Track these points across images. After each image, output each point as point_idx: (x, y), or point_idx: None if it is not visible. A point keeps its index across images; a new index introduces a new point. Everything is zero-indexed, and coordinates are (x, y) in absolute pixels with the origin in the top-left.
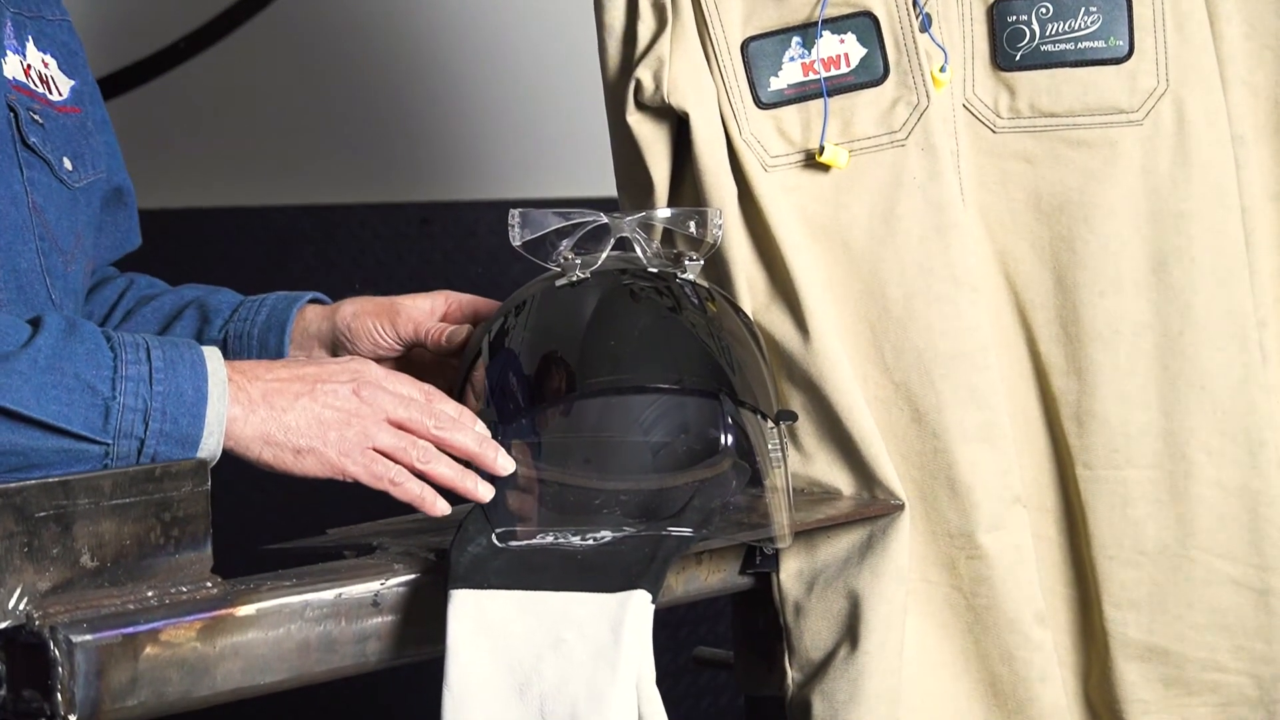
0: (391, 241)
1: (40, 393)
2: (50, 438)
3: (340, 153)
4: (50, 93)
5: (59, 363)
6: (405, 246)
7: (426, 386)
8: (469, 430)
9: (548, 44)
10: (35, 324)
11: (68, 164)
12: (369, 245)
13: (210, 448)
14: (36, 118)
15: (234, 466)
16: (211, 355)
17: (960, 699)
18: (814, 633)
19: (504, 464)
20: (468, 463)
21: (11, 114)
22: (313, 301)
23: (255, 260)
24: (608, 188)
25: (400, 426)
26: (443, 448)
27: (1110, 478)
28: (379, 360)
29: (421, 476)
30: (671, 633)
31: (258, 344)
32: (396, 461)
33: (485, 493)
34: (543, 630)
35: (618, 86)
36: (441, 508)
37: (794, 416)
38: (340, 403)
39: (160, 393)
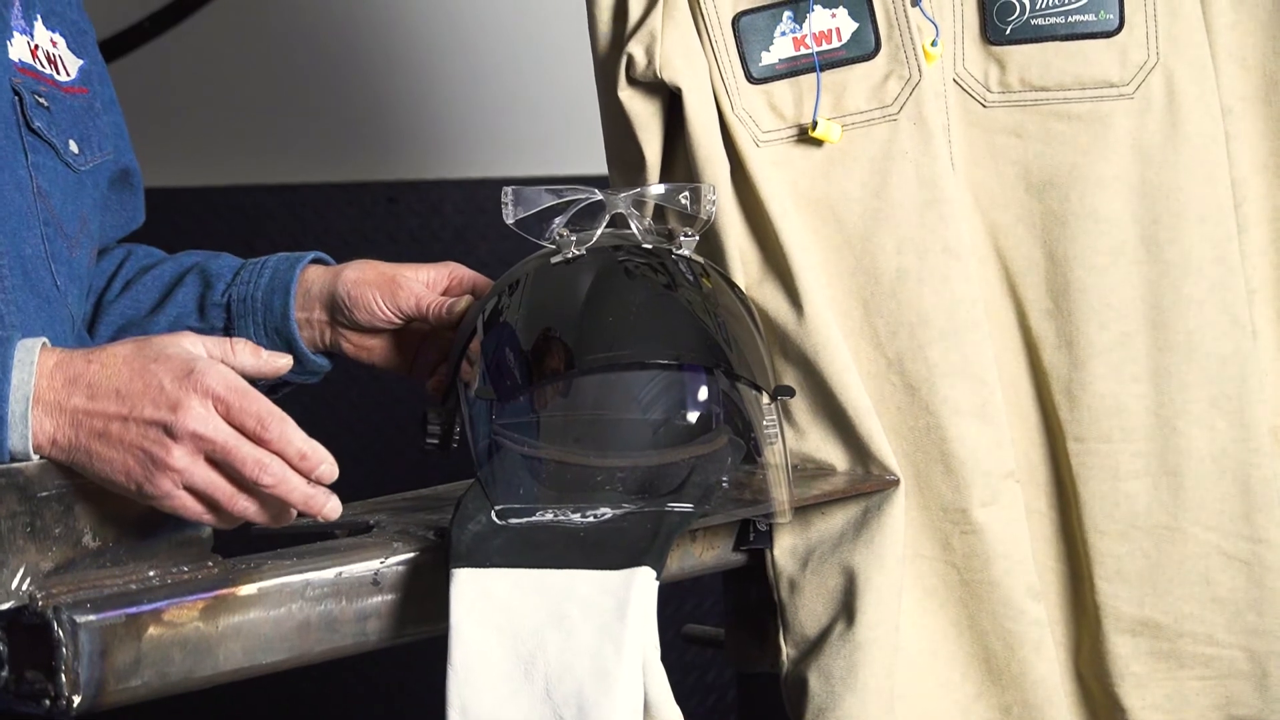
0: (358, 221)
1: None
2: None
3: (306, 132)
4: (58, 73)
5: None
6: (371, 225)
7: (274, 414)
8: (294, 482)
9: (517, 22)
10: None
11: (74, 146)
12: (335, 224)
13: (21, 454)
14: (42, 100)
15: None
16: (21, 363)
17: (954, 673)
18: (809, 609)
19: (332, 510)
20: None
21: (16, 98)
22: (315, 261)
23: (221, 240)
24: (580, 165)
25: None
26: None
27: (1101, 451)
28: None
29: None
30: (659, 609)
31: (262, 307)
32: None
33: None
34: (546, 608)
35: (609, 62)
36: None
37: (791, 392)
38: (145, 443)
39: None
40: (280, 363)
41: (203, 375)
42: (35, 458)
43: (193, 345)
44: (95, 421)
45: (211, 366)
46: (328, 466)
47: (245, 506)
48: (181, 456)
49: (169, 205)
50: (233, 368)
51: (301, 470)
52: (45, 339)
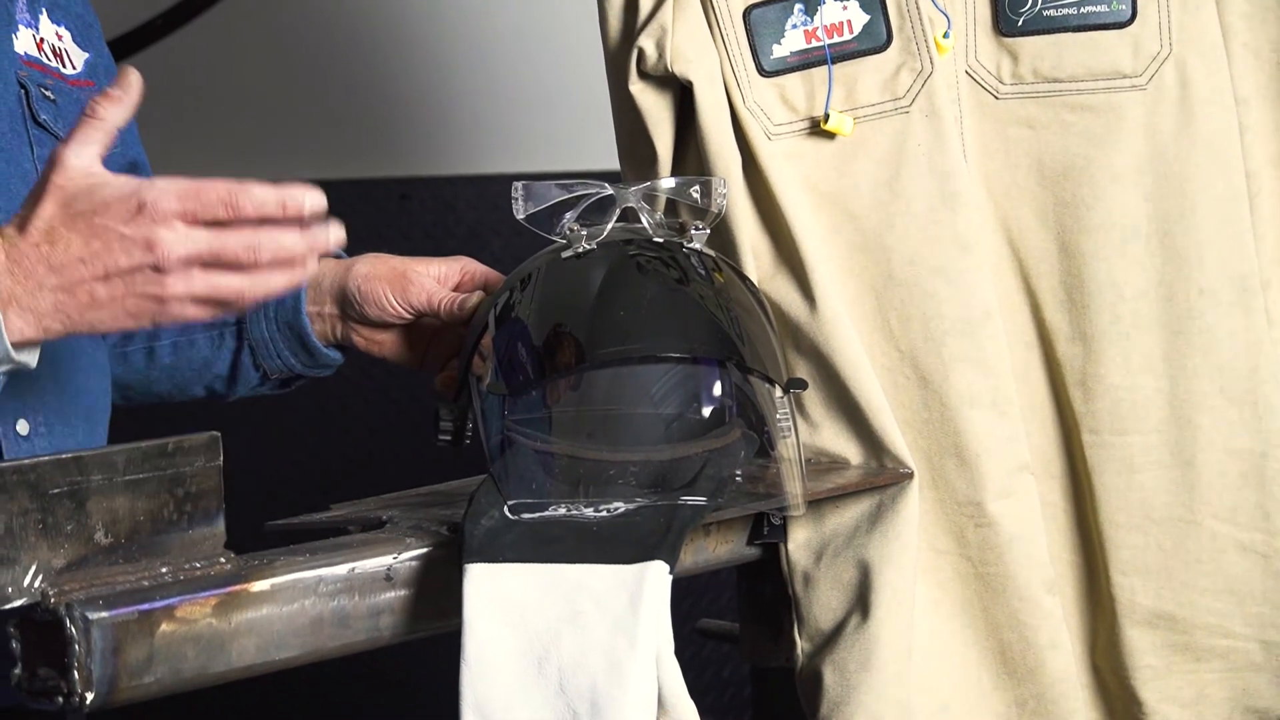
0: (371, 217)
1: None
2: None
3: (318, 129)
4: (64, 66)
5: None
6: (384, 222)
7: (233, 189)
8: (290, 239)
9: (527, 17)
10: None
11: None
12: (348, 221)
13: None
14: (48, 94)
15: (228, 442)
16: None
17: (969, 667)
18: (824, 603)
19: (337, 238)
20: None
21: (22, 91)
22: (325, 255)
23: None
24: (593, 160)
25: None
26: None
27: (1116, 443)
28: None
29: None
30: (674, 605)
31: (273, 301)
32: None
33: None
34: (560, 603)
35: (619, 56)
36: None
37: (804, 384)
38: (141, 289)
39: None
40: (129, 79)
41: (153, 203)
42: (27, 357)
43: (94, 165)
44: (79, 295)
45: (152, 188)
46: (310, 197)
47: (259, 286)
48: (177, 283)
49: None
50: (104, 136)
51: (291, 218)
52: None
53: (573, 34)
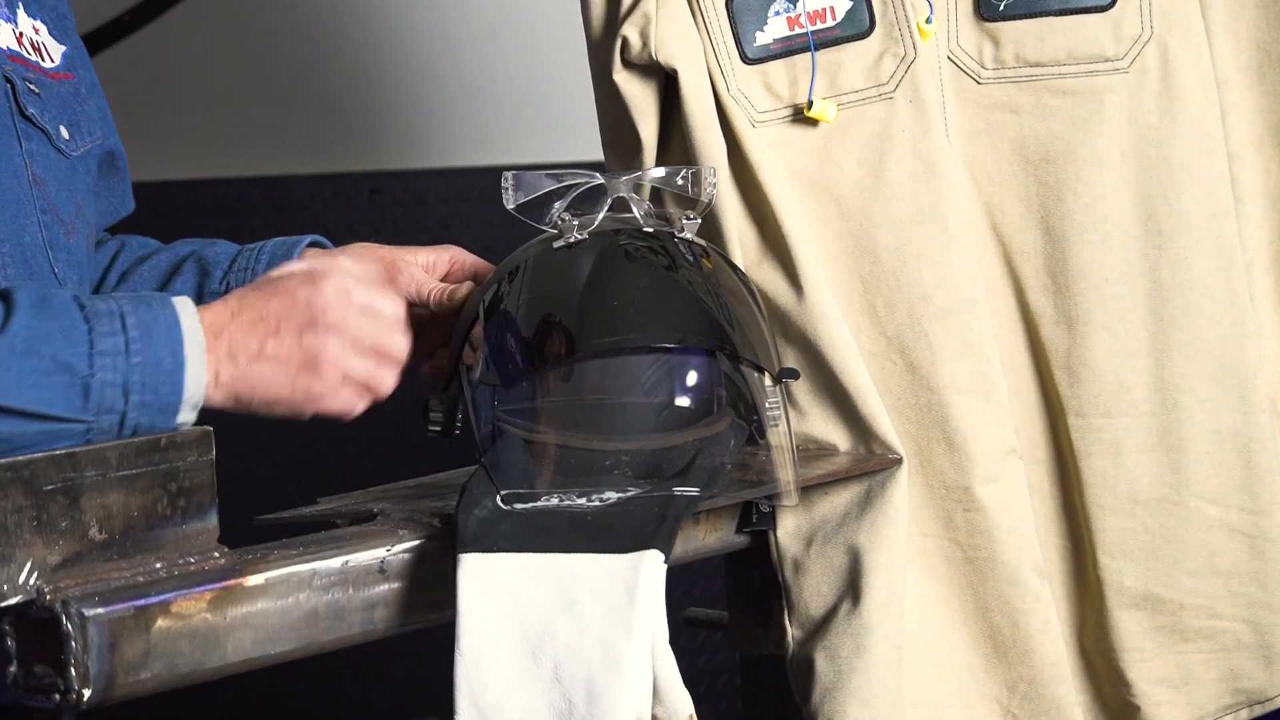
0: (341, 212)
1: (20, 380)
2: (32, 423)
3: (287, 124)
4: (43, 60)
5: (35, 345)
6: (355, 216)
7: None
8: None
9: (497, 9)
10: (6, 301)
11: (64, 133)
12: (318, 216)
13: (187, 414)
14: (32, 87)
15: (220, 436)
16: (185, 312)
17: (960, 652)
18: (814, 590)
19: None
20: None
21: (8, 85)
22: (312, 245)
23: (204, 234)
24: (566, 152)
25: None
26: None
27: (1102, 426)
28: None
29: None
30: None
31: None
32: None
33: None
34: (555, 593)
35: (603, 45)
36: None
37: (796, 374)
38: (304, 347)
39: (138, 364)
40: None
41: (327, 275)
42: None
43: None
44: (251, 344)
45: (331, 264)
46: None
47: (386, 380)
48: (335, 347)
49: (151, 199)
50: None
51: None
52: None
53: (544, 26)
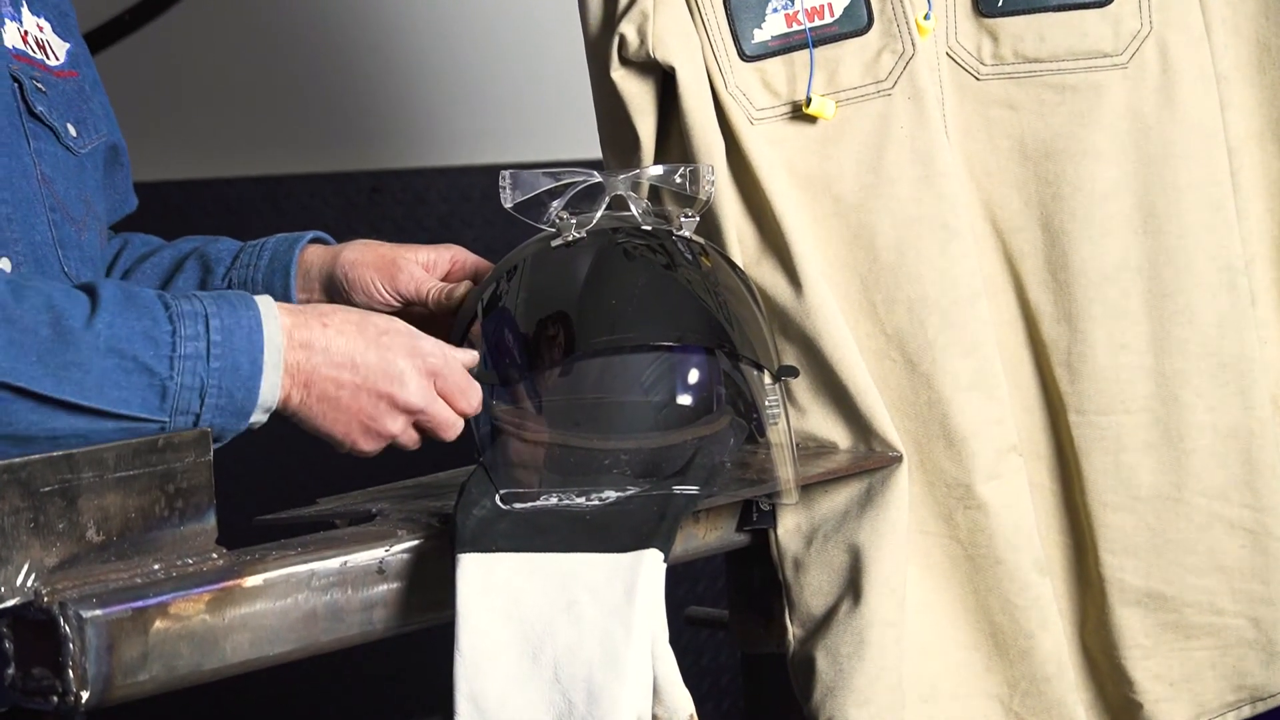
0: (342, 211)
1: (101, 380)
2: (110, 421)
3: (288, 123)
4: (49, 58)
5: (118, 344)
6: (356, 215)
7: (472, 387)
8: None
9: (497, 8)
10: (91, 295)
11: (72, 130)
12: (319, 214)
13: (259, 416)
14: (40, 85)
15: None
16: (268, 316)
17: (961, 649)
18: (815, 588)
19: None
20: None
21: (16, 84)
22: (314, 241)
23: (205, 233)
24: (565, 150)
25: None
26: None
27: (1103, 423)
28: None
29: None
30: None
31: (263, 289)
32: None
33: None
34: (554, 592)
35: (601, 43)
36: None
37: (795, 372)
38: (373, 411)
39: (217, 369)
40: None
41: (426, 354)
42: (264, 414)
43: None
44: (328, 386)
45: (429, 343)
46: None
47: (415, 442)
48: (395, 423)
49: (152, 199)
50: None
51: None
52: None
53: (543, 25)
